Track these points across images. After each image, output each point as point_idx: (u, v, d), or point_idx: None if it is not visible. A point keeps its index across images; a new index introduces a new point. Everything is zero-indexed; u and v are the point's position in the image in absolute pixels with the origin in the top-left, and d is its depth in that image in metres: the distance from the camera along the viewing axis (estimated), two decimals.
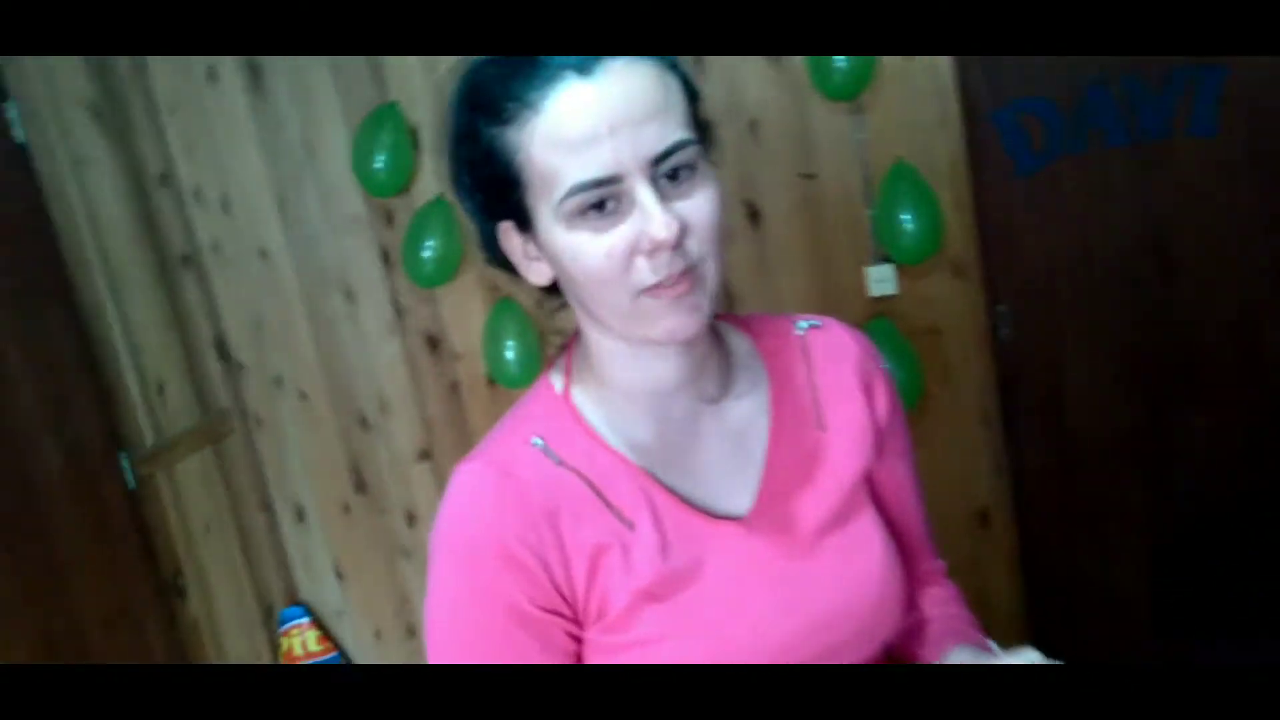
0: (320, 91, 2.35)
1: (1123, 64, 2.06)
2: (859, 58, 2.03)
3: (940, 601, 0.95)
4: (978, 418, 2.25)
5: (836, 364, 0.88)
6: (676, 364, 0.80)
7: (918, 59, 2.07)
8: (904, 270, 2.18)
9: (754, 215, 2.23)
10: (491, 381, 2.45)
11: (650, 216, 0.70)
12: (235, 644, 2.49)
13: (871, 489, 0.89)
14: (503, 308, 2.36)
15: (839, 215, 2.20)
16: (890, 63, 2.09)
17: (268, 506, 2.65)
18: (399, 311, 2.46)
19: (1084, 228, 2.17)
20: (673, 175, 0.71)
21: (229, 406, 2.58)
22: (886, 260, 2.18)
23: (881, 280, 2.19)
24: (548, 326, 2.17)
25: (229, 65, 2.37)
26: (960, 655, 0.82)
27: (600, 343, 0.80)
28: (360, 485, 2.60)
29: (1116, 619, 2.31)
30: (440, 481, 2.55)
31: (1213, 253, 2.13)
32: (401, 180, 2.32)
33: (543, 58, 0.70)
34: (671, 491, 0.80)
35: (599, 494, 0.78)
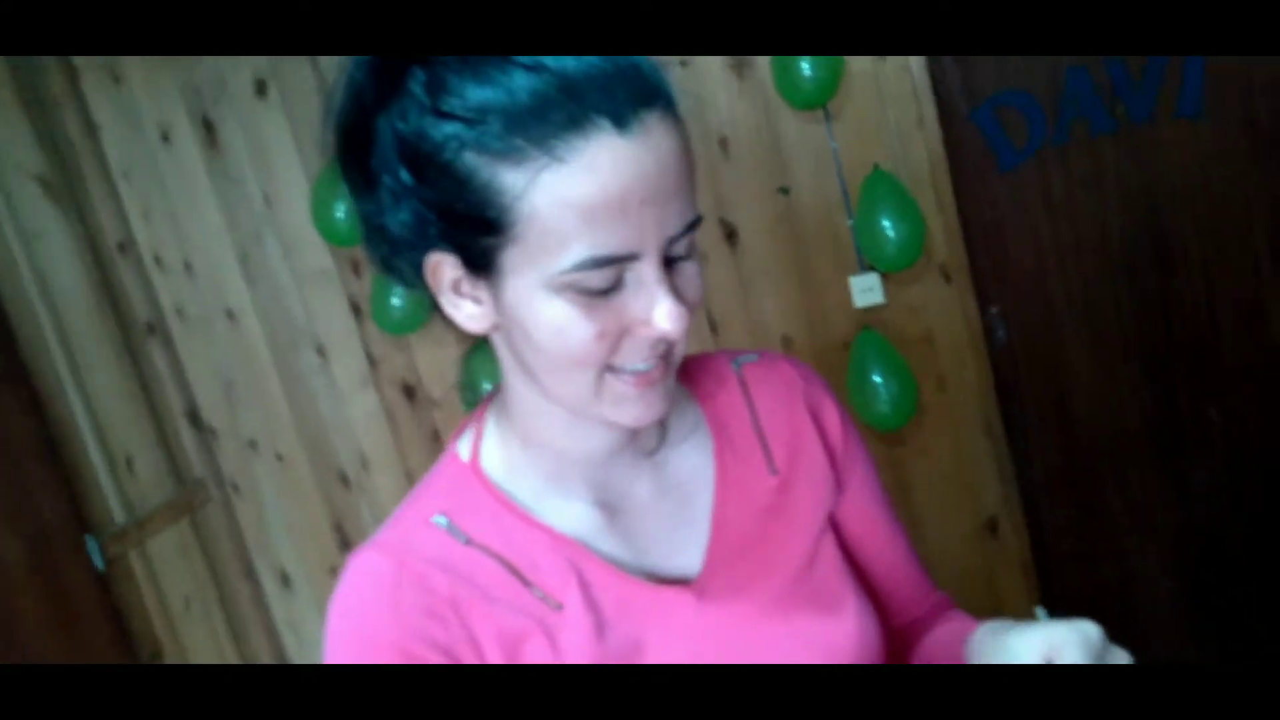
0: (276, 144, 2.28)
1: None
2: (824, 64, 1.95)
3: (960, 635, 0.84)
4: (979, 426, 2.15)
5: (780, 398, 0.79)
6: (618, 429, 0.70)
7: (888, 61, 2.00)
8: (890, 278, 2.10)
9: (731, 235, 2.15)
10: None
11: (662, 307, 0.61)
12: None
13: (839, 535, 0.79)
14: (478, 350, 2.27)
15: (818, 227, 2.12)
16: (858, 67, 2.02)
17: (251, 575, 2.55)
18: (372, 362, 2.37)
19: (1074, 221, 2.09)
20: (676, 254, 0.63)
21: (204, 475, 2.49)
22: (871, 270, 2.09)
23: (867, 290, 2.11)
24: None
25: (183, 125, 2.31)
26: (995, 632, 0.67)
27: (532, 404, 0.70)
28: (345, 545, 2.50)
29: (1138, 624, 2.19)
30: None
31: (1212, 236, 2.04)
32: None
33: (567, 88, 0.57)
34: (607, 561, 0.70)
35: (516, 573, 0.69)
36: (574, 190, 0.57)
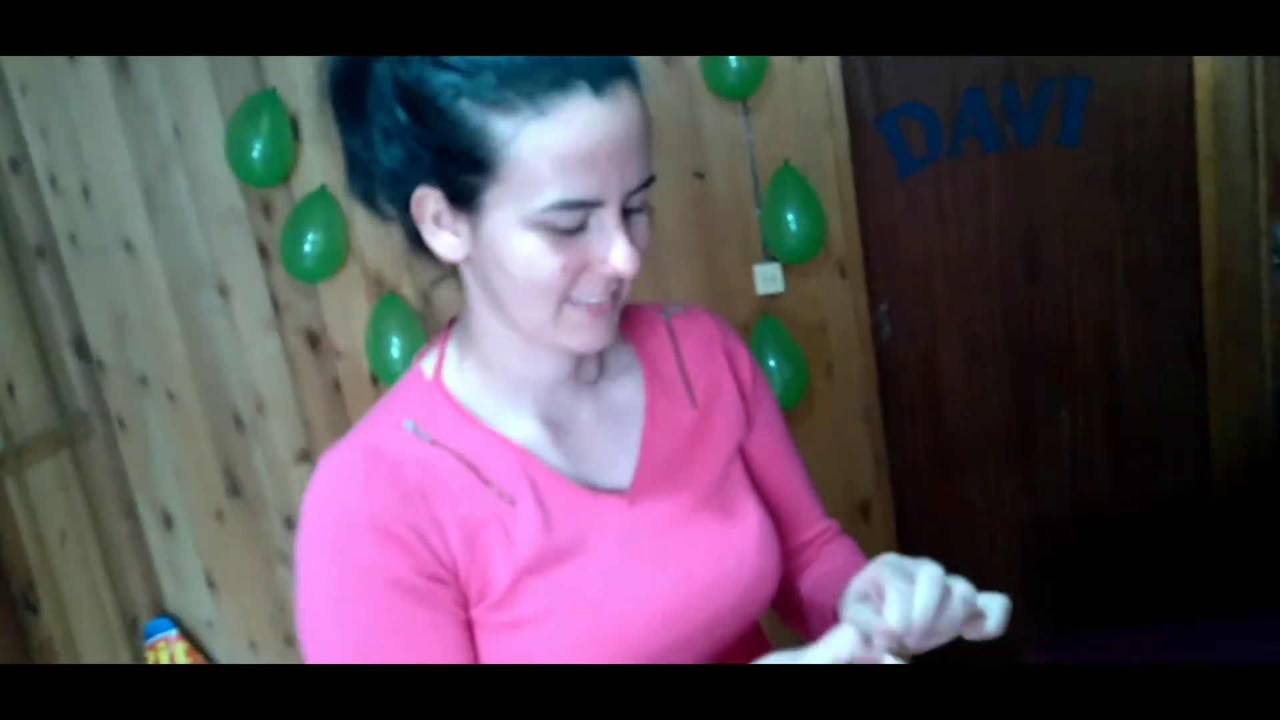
0: (192, 76, 2.23)
1: (998, 73, 2.16)
2: (751, 58, 2.06)
3: (845, 553, 0.98)
4: (859, 413, 2.32)
5: (701, 344, 0.91)
6: (567, 356, 0.81)
7: (807, 62, 2.12)
8: (790, 269, 2.23)
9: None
10: (375, 379, 2.37)
11: (619, 249, 0.70)
12: (95, 660, 2.33)
13: (747, 462, 0.91)
14: (387, 303, 2.29)
15: (728, 214, 2.22)
16: (780, 65, 2.13)
17: (131, 513, 2.50)
18: (277, 307, 2.36)
19: (959, 230, 2.26)
20: (633, 206, 0.72)
21: (88, 408, 2.42)
22: (774, 259, 2.22)
23: (769, 279, 2.23)
24: (435, 323, 2.11)
25: None
26: (860, 576, 0.81)
27: (494, 331, 0.79)
28: (234, 489, 2.48)
29: None
30: None
31: (1077, 256, 2.25)
32: (281, 170, 2.23)
33: (556, 57, 0.66)
34: (553, 469, 0.80)
35: (475, 470, 0.77)
36: (553, 140, 0.66)
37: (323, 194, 2.24)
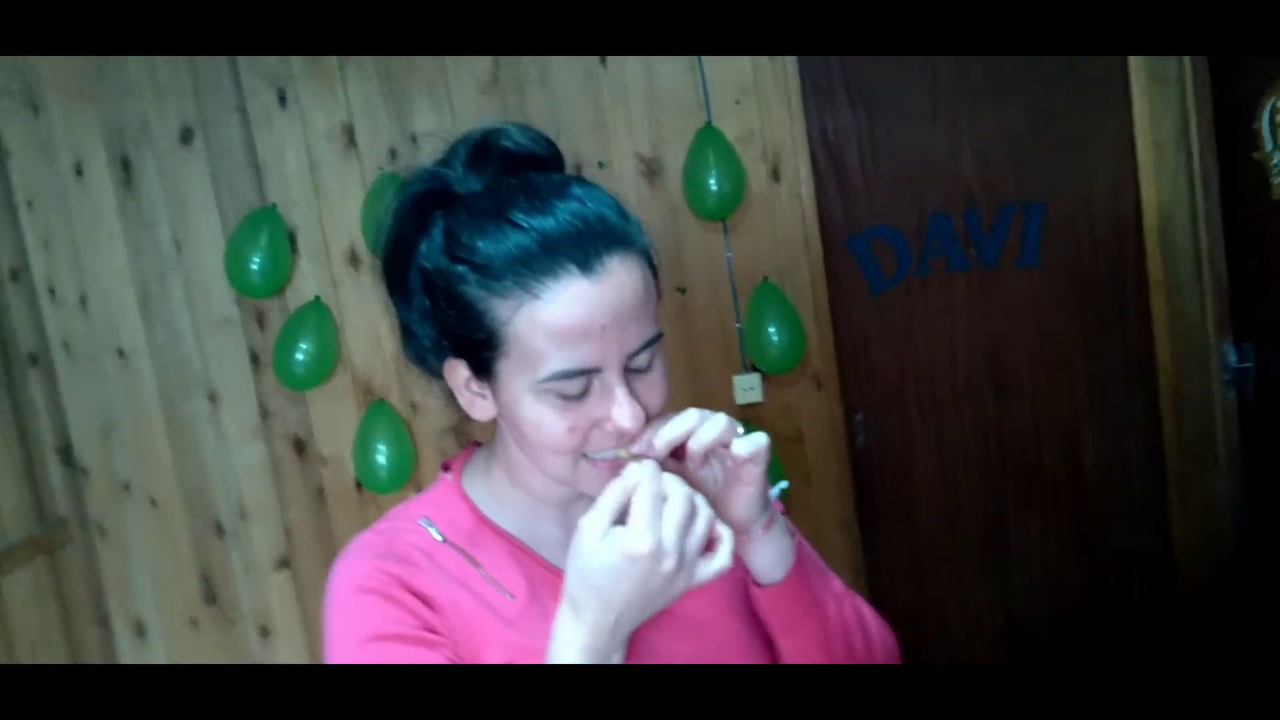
0: (194, 189, 2.32)
1: (962, 198, 2.31)
2: (729, 181, 2.19)
3: None
4: (836, 521, 2.37)
5: None
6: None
7: (783, 185, 2.26)
8: (769, 380, 2.32)
9: None
10: (360, 487, 2.40)
11: (620, 408, 0.77)
12: None
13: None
14: (376, 410, 2.34)
15: (709, 327, 2.32)
16: (757, 189, 2.26)
17: (104, 622, 2.46)
18: (265, 414, 2.39)
19: (928, 345, 2.37)
20: (638, 366, 0.79)
21: (68, 514, 2.42)
22: (754, 370, 2.31)
23: (748, 389, 2.32)
24: (423, 432, 2.12)
25: (99, 161, 2.32)
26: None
27: (522, 463, 0.86)
28: (211, 597, 2.46)
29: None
30: (300, 592, 2.45)
31: (1039, 371, 2.36)
32: (277, 283, 2.30)
33: (545, 243, 0.74)
34: (555, 568, 0.86)
35: (479, 567, 0.85)
36: (548, 321, 0.74)
37: (316, 305, 2.31)
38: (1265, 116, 1.99)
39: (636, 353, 0.77)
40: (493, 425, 0.89)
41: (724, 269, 2.30)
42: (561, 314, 0.74)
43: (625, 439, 0.79)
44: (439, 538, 0.85)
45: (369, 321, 2.35)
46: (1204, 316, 2.25)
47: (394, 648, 0.78)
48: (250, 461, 2.41)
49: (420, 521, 0.87)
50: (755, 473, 0.79)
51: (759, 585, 0.86)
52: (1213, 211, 2.20)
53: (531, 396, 0.77)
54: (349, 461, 2.39)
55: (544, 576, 0.85)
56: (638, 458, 0.76)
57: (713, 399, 2.33)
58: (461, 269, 0.77)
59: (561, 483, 0.83)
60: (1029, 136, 2.28)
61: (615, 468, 0.79)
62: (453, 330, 0.79)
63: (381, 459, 2.32)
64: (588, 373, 0.76)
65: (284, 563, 2.44)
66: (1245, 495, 2.26)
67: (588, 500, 0.88)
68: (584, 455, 0.80)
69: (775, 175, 2.27)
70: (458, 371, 0.82)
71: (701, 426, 0.77)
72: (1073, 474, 2.39)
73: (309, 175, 2.32)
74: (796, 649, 0.88)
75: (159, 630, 2.47)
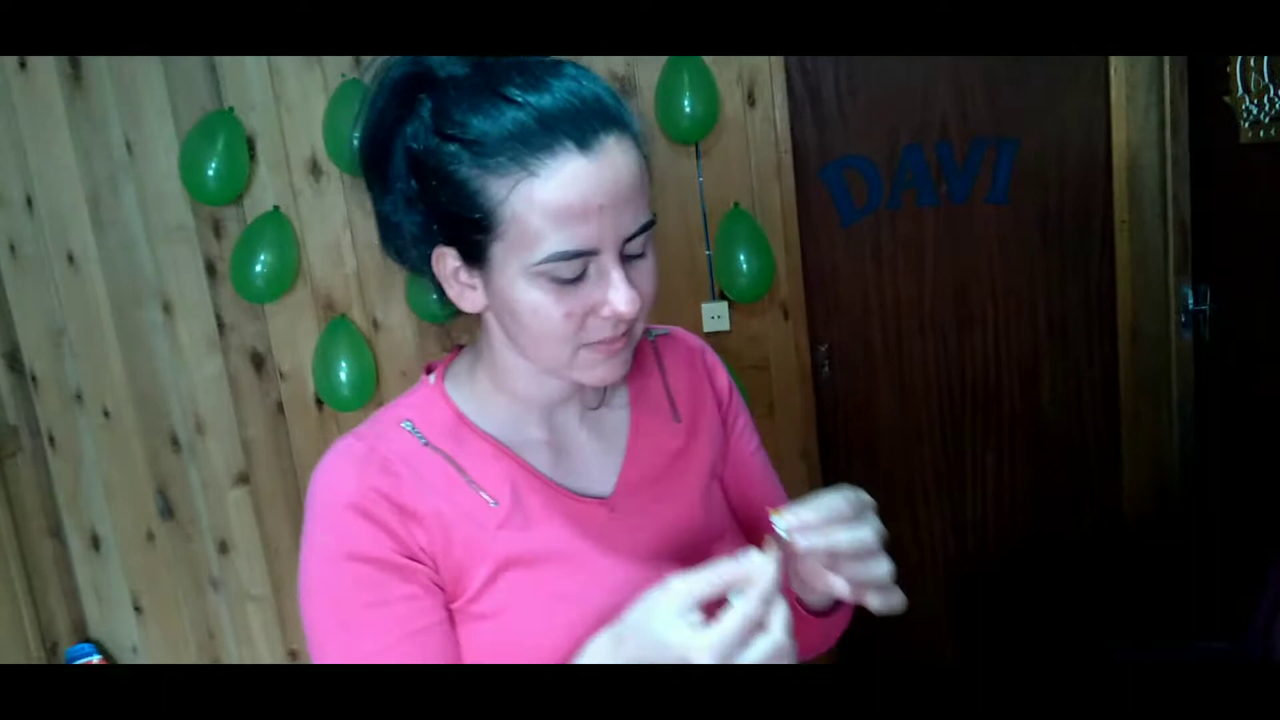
0: (148, 90, 2.23)
1: (936, 130, 2.29)
2: (702, 104, 2.15)
3: None
4: (797, 450, 2.40)
5: (683, 364, 0.98)
6: (572, 381, 0.86)
7: (757, 110, 2.22)
8: (737, 308, 2.31)
9: None
10: (320, 403, 2.37)
11: (618, 291, 0.75)
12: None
13: (724, 470, 0.97)
14: (336, 326, 2.30)
15: (679, 254, 2.30)
16: (731, 113, 2.22)
17: (57, 534, 2.43)
18: (222, 327, 2.34)
19: (896, 277, 2.38)
20: (632, 252, 0.77)
21: (17, 423, 2.36)
22: (722, 298, 2.30)
23: (716, 317, 2.31)
24: (385, 349, 2.09)
25: (45, 55, 2.21)
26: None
27: (510, 360, 0.85)
28: (167, 510, 2.43)
29: (918, 637, 2.50)
30: (259, 506, 2.43)
31: (1003, 307, 2.39)
32: (235, 190, 2.23)
33: (542, 119, 0.72)
34: (538, 474, 0.86)
35: (462, 472, 0.83)
36: (546, 199, 0.72)
37: (275, 215, 2.25)
38: (1238, 60, 1.99)
39: (633, 236, 0.76)
40: (471, 331, 0.88)
41: (695, 193, 2.27)
42: (559, 192, 0.72)
43: (620, 324, 0.78)
44: (421, 441, 0.83)
45: (330, 236, 2.29)
46: (1166, 257, 2.28)
47: (366, 571, 0.78)
48: (207, 374, 2.36)
49: (403, 425, 0.84)
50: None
51: (801, 604, 0.86)
52: (1180, 153, 2.22)
53: (526, 281, 0.75)
54: (309, 377, 2.35)
55: (527, 480, 0.84)
56: (776, 543, 0.71)
57: (679, 326, 2.31)
58: (454, 148, 0.74)
59: (557, 374, 0.81)
60: (1005, 72, 2.27)
61: (614, 352, 0.79)
62: (443, 214, 0.76)
63: (343, 375, 2.29)
64: (585, 254, 0.74)
65: (243, 478, 2.41)
66: (1196, 435, 2.32)
67: (571, 405, 0.89)
68: (581, 343, 0.78)
69: (750, 100, 2.23)
70: (446, 261, 0.79)
71: (847, 536, 0.73)
72: (1029, 407, 2.43)
73: (269, 80, 2.23)
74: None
75: (114, 543, 2.44)
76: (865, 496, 0.76)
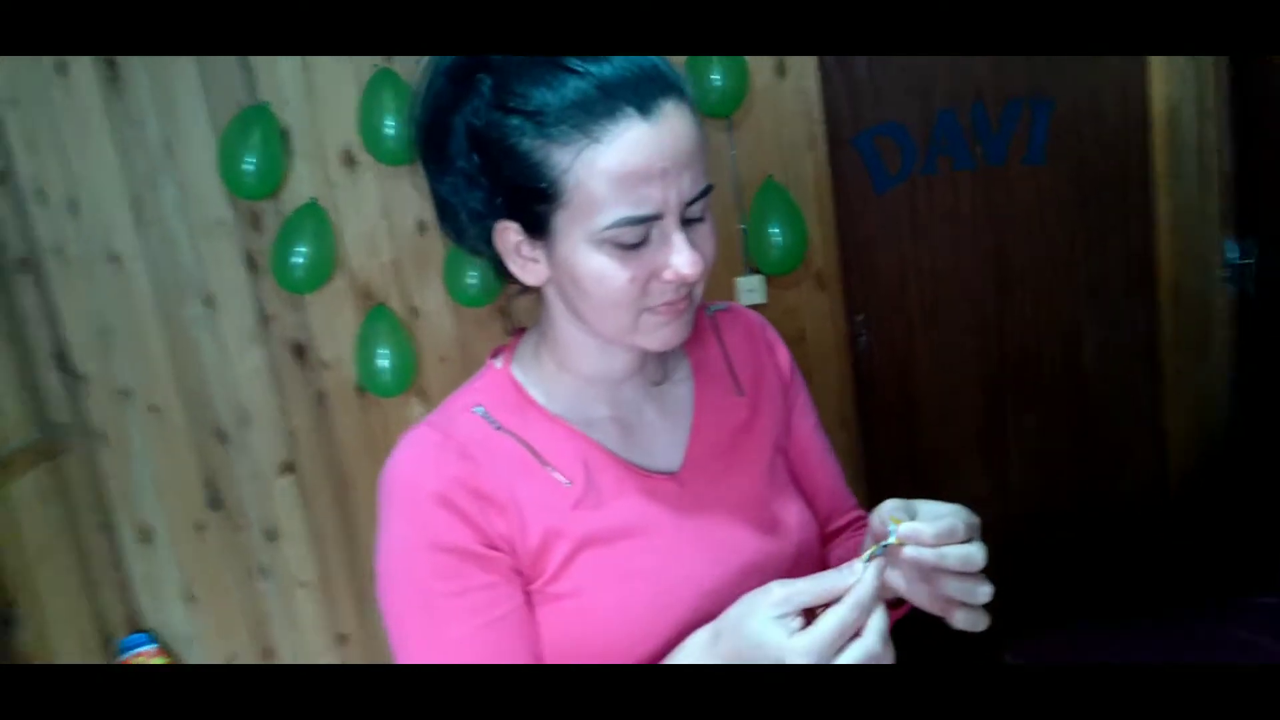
0: (183, 88, 2.25)
1: (969, 94, 2.28)
2: (733, 76, 2.14)
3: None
4: (836, 420, 2.39)
5: (744, 338, 0.99)
6: (635, 355, 0.88)
7: (788, 81, 2.22)
8: (772, 281, 2.31)
9: None
10: (362, 391, 2.40)
11: (680, 254, 0.76)
12: None
13: (786, 448, 0.98)
14: (376, 314, 2.32)
15: None
16: (761, 84, 2.22)
17: (109, 527, 2.47)
18: (263, 319, 2.37)
19: (932, 244, 2.37)
20: (692, 216, 0.78)
21: (68, 421, 2.40)
22: (756, 271, 2.30)
23: (751, 290, 2.31)
24: (424, 336, 2.10)
25: (82, 58, 2.24)
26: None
27: (572, 336, 0.86)
28: (215, 502, 2.47)
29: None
30: (304, 494, 2.46)
31: (1042, 270, 2.37)
32: (272, 184, 2.25)
33: (604, 86, 0.73)
34: (609, 452, 0.87)
35: (535, 454, 0.84)
36: (610, 164, 0.73)
37: (313, 206, 2.27)
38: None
39: (693, 201, 0.77)
40: (531, 313, 0.89)
41: (728, 167, 2.27)
42: (623, 157, 0.73)
43: (683, 287, 0.79)
44: (494, 425, 0.84)
45: (366, 226, 2.31)
46: (1206, 211, 2.26)
47: (447, 560, 0.79)
48: (250, 366, 2.39)
49: (474, 410, 0.85)
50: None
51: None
52: (1220, 106, 2.19)
53: (590, 248, 0.76)
54: (350, 366, 2.38)
55: (598, 458, 0.86)
56: (878, 546, 0.73)
57: (714, 300, 2.32)
58: (516, 120, 0.75)
59: (621, 340, 0.82)
60: None
61: (677, 313, 0.80)
62: (507, 187, 0.77)
63: (384, 363, 2.31)
64: (649, 219, 0.75)
65: (289, 467, 2.45)
66: (1237, 391, 2.29)
67: (635, 381, 0.90)
68: (644, 308, 0.79)
69: (780, 70, 2.23)
70: (508, 236, 0.81)
71: (957, 553, 0.75)
72: (1070, 370, 2.41)
73: (301, 73, 2.25)
74: None
75: (165, 535, 2.48)
76: (975, 518, 0.78)
